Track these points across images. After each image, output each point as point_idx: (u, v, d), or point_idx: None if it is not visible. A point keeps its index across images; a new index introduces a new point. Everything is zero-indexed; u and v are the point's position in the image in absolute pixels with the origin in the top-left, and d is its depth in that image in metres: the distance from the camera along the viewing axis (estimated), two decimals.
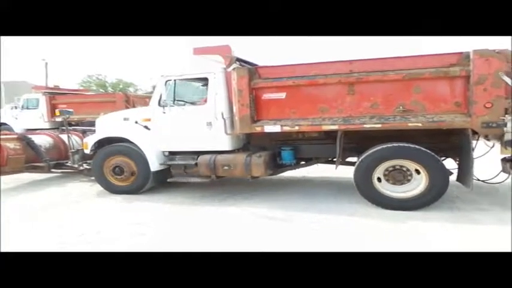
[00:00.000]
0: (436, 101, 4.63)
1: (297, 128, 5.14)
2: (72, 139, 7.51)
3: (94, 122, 10.39)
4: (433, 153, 4.59)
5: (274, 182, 6.84)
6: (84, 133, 8.03)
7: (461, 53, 4.49)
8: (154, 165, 5.84)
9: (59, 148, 7.75)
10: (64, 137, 7.92)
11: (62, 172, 7.44)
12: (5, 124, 14.39)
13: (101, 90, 42.60)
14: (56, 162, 7.39)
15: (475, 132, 4.62)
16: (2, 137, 7.11)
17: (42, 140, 7.61)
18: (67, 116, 7.22)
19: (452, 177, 4.87)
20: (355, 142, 5.36)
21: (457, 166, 5.09)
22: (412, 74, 4.62)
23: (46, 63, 20.00)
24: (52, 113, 13.57)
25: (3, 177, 7.05)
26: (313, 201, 5.46)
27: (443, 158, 5.33)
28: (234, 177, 5.79)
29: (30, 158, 7.19)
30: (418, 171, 4.73)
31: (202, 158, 5.63)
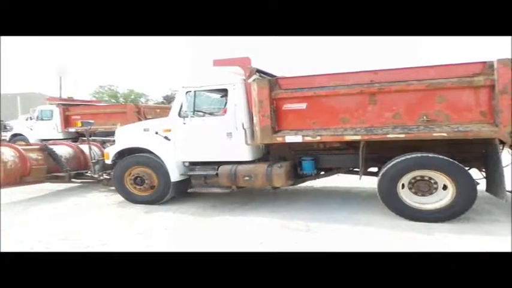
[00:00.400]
0: (461, 110, 4.58)
1: (318, 138, 5.13)
2: (93, 149, 7.63)
3: (107, 132, 10.64)
4: (459, 164, 4.52)
5: (281, 191, 6.81)
6: (104, 143, 8.13)
7: (485, 62, 4.45)
8: (175, 176, 5.88)
9: (78, 158, 7.87)
10: (83, 147, 8.06)
11: (81, 182, 7.54)
12: (20, 135, 14.77)
13: (113, 100, 43.28)
14: (76, 172, 7.50)
15: (501, 142, 4.55)
16: (24, 147, 7.26)
17: (63, 151, 7.75)
18: (89, 126, 7.33)
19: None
20: (376, 152, 5.33)
21: (482, 176, 5.01)
22: (436, 84, 4.60)
23: (60, 77, 20.58)
24: (66, 124, 13.88)
25: (26, 187, 7.16)
26: (326, 211, 5.44)
27: (467, 168, 5.28)
28: (254, 187, 5.79)
29: (52, 168, 7.31)
30: (444, 183, 4.67)
31: (222, 169, 5.65)
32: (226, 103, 6.50)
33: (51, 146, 7.61)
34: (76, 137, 13.20)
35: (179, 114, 5.98)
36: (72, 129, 13.80)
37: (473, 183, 4.47)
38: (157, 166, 5.94)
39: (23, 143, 12.56)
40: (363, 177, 5.45)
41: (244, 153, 5.65)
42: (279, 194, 6.59)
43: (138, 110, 13.19)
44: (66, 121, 13.95)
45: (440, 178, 4.68)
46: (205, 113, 6.25)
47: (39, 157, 7.21)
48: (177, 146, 6.02)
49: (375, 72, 4.91)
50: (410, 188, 4.85)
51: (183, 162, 6.03)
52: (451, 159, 4.56)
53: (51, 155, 7.37)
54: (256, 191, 6.59)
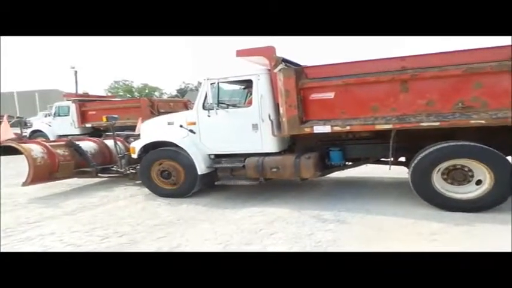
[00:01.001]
0: (498, 96, 4.37)
1: (348, 128, 5.01)
2: (117, 144, 7.70)
3: (122, 127, 10.70)
4: (497, 151, 4.35)
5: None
6: (128, 138, 8.19)
7: None
8: (201, 169, 5.87)
9: (103, 153, 7.97)
10: (108, 142, 8.15)
11: (108, 177, 7.64)
12: (40, 131, 15.08)
13: (128, 95, 43.84)
14: (102, 167, 7.59)
15: None
16: (51, 144, 7.38)
17: (88, 146, 7.84)
18: (113, 121, 7.38)
19: None
20: (405, 141, 5.17)
21: None
22: (473, 69, 4.40)
23: (76, 71, 20.77)
24: (82, 120, 14.09)
25: (55, 183, 7.31)
26: (351, 201, 5.38)
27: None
28: (282, 179, 5.73)
29: (78, 163, 7.42)
30: (481, 172, 4.51)
31: (249, 161, 5.61)
32: (248, 94, 6.44)
33: (77, 142, 7.72)
34: (92, 133, 13.42)
35: (203, 107, 5.94)
36: (88, 125, 14.01)
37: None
38: (183, 159, 5.94)
39: (42, 139, 12.88)
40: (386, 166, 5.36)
41: (271, 144, 5.59)
42: (298, 185, 6.52)
43: (152, 104, 13.29)
44: (83, 117, 14.19)
45: (477, 167, 4.51)
46: (228, 105, 6.20)
47: (66, 153, 7.32)
48: (202, 138, 6.01)
49: (406, 58, 4.74)
50: (445, 178, 4.70)
51: (209, 154, 6.01)
52: (488, 147, 4.39)
53: (77, 150, 7.48)
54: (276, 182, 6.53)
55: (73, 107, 14.30)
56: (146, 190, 6.44)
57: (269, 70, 5.57)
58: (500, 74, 4.34)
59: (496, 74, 4.35)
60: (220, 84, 5.93)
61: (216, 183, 6.01)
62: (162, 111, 12.51)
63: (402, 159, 5.67)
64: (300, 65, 5.91)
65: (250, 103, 5.81)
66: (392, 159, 5.11)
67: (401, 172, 5.68)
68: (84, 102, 14.57)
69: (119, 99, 22.35)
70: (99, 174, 7.50)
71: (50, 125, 15.03)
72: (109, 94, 33.92)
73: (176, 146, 6.02)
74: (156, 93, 46.28)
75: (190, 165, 5.88)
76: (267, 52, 5.51)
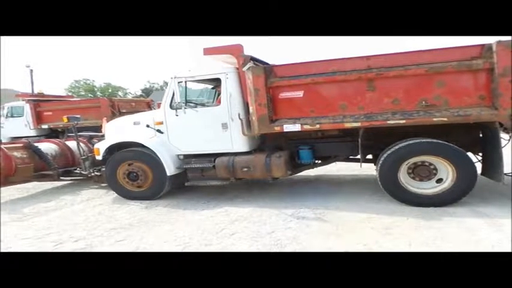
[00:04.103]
0: (460, 94, 4.55)
1: (317, 126, 5.04)
2: (80, 146, 7.36)
3: (80, 128, 10.25)
4: (459, 148, 4.52)
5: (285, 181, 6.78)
6: (91, 139, 7.84)
7: (483, 45, 4.41)
8: (170, 170, 5.71)
9: (65, 155, 7.59)
10: (69, 143, 7.77)
11: (71, 179, 7.29)
12: None
13: (90, 95, 42.22)
14: (64, 169, 7.23)
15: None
16: (7, 146, 6.93)
17: (48, 148, 7.45)
18: (75, 122, 7.03)
19: None
20: (373, 139, 5.28)
21: (477, 160, 5.04)
22: (435, 68, 4.54)
23: (31, 70, 19.70)
24: (38, 121, 13.41)
25: (12, 187, 6.88)
26: (329, 199, 5.43)
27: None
28: (253, 178, 5.69)
29: (38, 166, 7.02)
30: (444, 168, 4.68)
31: (219, 160, 5.52)
32: (217, 94, 6.34)
33: (35, 144, 7.30)
34: (49, 134, 12.79)
35: (171, 106, 5.79)
36: (45, 126, 13.33)
37: (474, 167, 4.49)
38: (151, 160, 5.76)
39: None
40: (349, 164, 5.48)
41: (241, 144, 5.54)
42: (274, 185, 6.52)
43: (113, 104, 12.89)
44: (39, 117, 13.48)
45: (441, 163, 4.68)
46: (197, 104, 6.07)
47: (24, 155, 6.90)
48: (170, 138, 5.85)
49: (372, 57, 4.82)
50: (409, 174, 4.85)
51: (178, 155, 5.87)
52: (450, 144, 4.56)
53: (36, 152, 7.07)
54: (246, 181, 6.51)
55: (27, 107, 13.52)
56: (108, 193, 6.21)
57: (237, 69, 5.50)
58: (460, 73, 4.52)
59: (457, 73, 4.52)
60: (189, 84, 5.80)
61: (186, 184, 5.88)
62: (124, 111, 12.27)
63: (369, 156, 5.78)
64: (269, 64, 5.88)
65: (219, 102, 5.72)
66: (362, 156, 5.19)
67: (366, 170, 5.83)
68: (39, 102, 13.83)
69: (78, 99, 21.39)
70: (62, 178, 7.14)
71: (2, 127, 14.05)
72: (69, 94, 32.41)
73: (143, 146, 5.83)
74: (120, 93, 44.92)
75: (158, 167, 5.72)
76: (235, 50, 5.43)
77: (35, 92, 16.82)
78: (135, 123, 6.23)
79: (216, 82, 5.95)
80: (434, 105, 4.62)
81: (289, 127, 5.15)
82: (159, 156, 5.69)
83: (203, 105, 6.11)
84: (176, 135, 5.82)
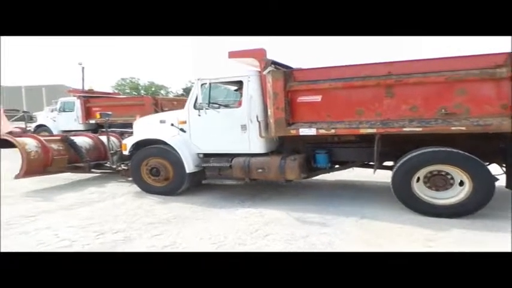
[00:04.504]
0: (481, 103, 4.43)
1: (333, 131, 5.07)
2: (111, 140, 7.81)
3: (125, 124, 10.81)
4: (476, 158, 4.39)
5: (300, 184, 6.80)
6: (122, 135, 8.29)
7: (508, 53, 4.28)
8: (190, 167, 5.94)
9: (98, 149, 8.07)
10: (103, 138, 8.25)
11: (101, 172, 7.73)
12: (44, 126, 15.21)
13: (134, 93, 44.10)
14: (95, 162, 7.70)
15: None
16: (47, 138, 7.49)
17: (83, 141, 7.96)
18: (107, 118, 7.49)
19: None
20: (390, 146, 5.22)
21: (502, 172, 4.85)
22: (456, 76, 4.45)
23: (83, 68, 20.99)
24: (87, 116, 14.20)
25: (49, 176, 7.41)
26: (366, 206, 5.32)
27: (487, 163, 5.12)
28: (268, 180, 5.79)
29: (72, 158, 7.53)
30: (460, 178, 4.55)
31: (236, 161, 5.68)
32: (240, 95, 6.51)
33: (72, 137, 7.84)
34: (96, 129, 13.52)
35: (194, 106, 6.03)
36: (92, 121, 14.13)
37: (491, 179, 4.33)
38: (172, 157, 6.02)
39: (46, 134, 12.98)
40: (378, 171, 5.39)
41: (258, 145, 5.66)
42: (289, 187, 6.58)
43: (156, 102, 13.40)
44: (87, 113, 14.26)
45: (457, 173, 4.55)
46: (220, 105, 6.28)
47: (61, 148, 7.43)
48: (192, 137, 6.09)
49: (392, 63, 4.80)
50: (425, 183, 4.75)
51: (198, 154, 6.09)
52: (467, 154, 4.43)
53: (72, 145, 7.59)
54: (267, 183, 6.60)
55: (78, 103, 14.40)
56: (131, 186, 6.49)
57: (259, 72, 5.65)
58: (482, 81, 4.39)
59: (479, 81, 4.40)
60: (216, 84, 6.03)
61: (203, 181, 6.09)
62: (166, 109, 12.55)
63: (390, 163, 5.70)
64: (291, 68, 5.98)
65: (240, 104, 5.89)
66: (377, 163, 5.14)
67: None
68: (89, 98, 14.66)
69: (124, 96, 22.46)
70: (92, 170, 7.61)
71: (54, 120, 15.11)
72: (115, 91, 34.16)
73: (166, 144, 6.11)
74: (162, 92, 46.51)
75: (178, 164, 5.97)
76: (258, 54, 5.58)
77: (86, 88, 17.83)
78: (161, 122, 6.55)
79: (239, 84, 6.13)
80: (455, 114, 4.52)
81: (305, 131, 5.21)
82: (179, 153, 5.95)
83: (226, 106, 6.32)
84: (197, 135, 6.05)
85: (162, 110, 12.59)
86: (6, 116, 15.86)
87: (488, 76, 4.34)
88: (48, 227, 4.69)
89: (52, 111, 15.98)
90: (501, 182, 4.69)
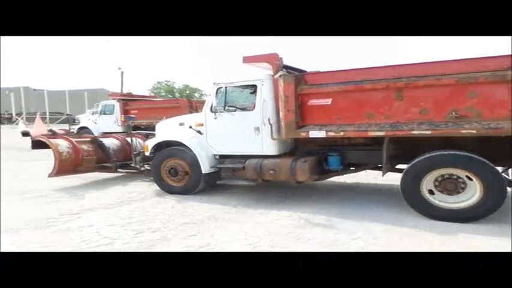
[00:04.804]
0: (492, 106, 4.33)
1: (342, 133, 5.13)
2: (136, 142, 8.24)
3: None
4: (487, 162, 4.30)
5: (320, 186, 6.85)
6: (147, 136, 8.70)
7: None
8: (206, 168, 6.19)
9: (124, 150, 8.53)
10: (130, 139, 8.72)
11: (126, 172, 8.17)
12: (86, 128, 16.03)
13: (169, 95, 45.55)
14: (121, 163, 8.15)
15: None
16: (77, 139, 8.03)
17: (111, 143, 8.45)
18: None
19: None
20: (403, 149, 5.20)
21: None
22: (466, 78, 4.39)
23: (122, 72, 21.97)
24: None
25: (78, 175, 7.94)
26: (383, 210, 5.27)
27: (505, 167, 4.99)
28: (279, 181, 5.92)
29: (100, 158, 8.02)
30: (471, 180, 4.47)
31: (249, 162, 5.86)
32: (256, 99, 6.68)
33: (100, 139, 8.36)
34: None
35: (211, 110, 6.28)
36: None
37: (503, 183, 4.23)
38: (190, 158, 6.30)
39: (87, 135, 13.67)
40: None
41: (271, 147, 5.81)
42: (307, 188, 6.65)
43: (191, 105, 13.80)
44: (126, 115, 14.59)
45: (467, 176, 4.47)
46: (236, 108, 6.48)
47: (90, 148, 7.94)
48: (208, 139, 6.34)
49: (402, 66, 4.80)
50: (436, 186, 4.70)
51: (214, 155, 6.33)
52: (478, 157, 4.34)
53: (100, 146, 8.09)
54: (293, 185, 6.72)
55: (117, 106, 15.06)
56: (152, 185, 6.80)
57: (272, 76, 5.80)
58: (494, 84, 4.31)
59: (490, 84, 4.31)
60: (234, 88, 6.25)
61: (217, 182, 6.31)
62: (200, 111, 12.86)
63: (403, 166, 5.65)
64: (304, 71, 6.09)
65: (254, 107, 6.07)
66: (387, 166, 5.14)
67: None
68: (127, 101, 15.30)
69: (160, 99, 23.24)
70: (119, 170, 8.06)
71: (95, 123, 15.83)
72: (151, 94, 35.53)
73: (184, 145, 6.40)
74: (196, 94, 47.74)
75: (195, 165, 6.23)
76: (270, 58, 5.75)
77: (124, 92, 18.61)
78: (180, 124, 6.86)
79: (254, 88, 6.30)
80: (466, 117, 4.45)
81: (314, 133, 5.30)
82: (196, 155, 6.21)
83: (243, 109, 6.52)
84: (213, 137, 6.29)
85: (197, 112, 12.98)
86: (50, 118, 16.96)
87: (499, 78, 4.25)
88: (90, 224, 4.91)
89: (93, 114, 16.86)
90: None
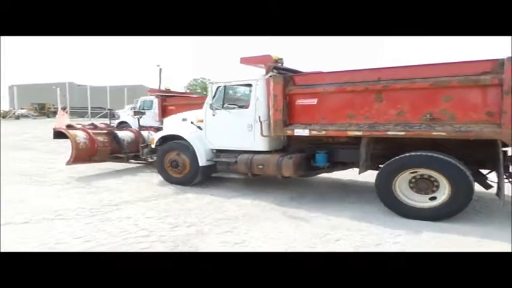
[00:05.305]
0: (467, 110, 4.47)
1: (323, 132, 5.40)
2: (149, 135, 8.86)
3: None
4: (455, 163, 4.44)
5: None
6: (158, 130, 9.28)
7: (496, 59, 4.27)
8: (203, 161, 6.64)
9: (137, 142, 9.10)
10: (144, 132, 9.35)
11: (137, 163, 8.81)
12: (125, 122, 16.61)
13: (204, 92, 46.79)
14: (134, 154, 8.78)
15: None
16: (94, 131, 8.72)
17: (126, 135, 9.09)
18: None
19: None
20: (385, 149, 5.40)
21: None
22: (440, 82, 4.55)
23: (160, 69, 22.72)
24: (163, 114, 14.84)
25: (93, 164, 8.64)
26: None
27: (488, 170, 5.07)
28: (267, 175, 6.24)
29: (115, 149, 8.68)
30: (441, 182, 4.64)
31: (241, 157, 6.24)
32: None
33: (116, 131, 9.02)
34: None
35: (210, 107, 6.71)
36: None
37: (468, 182, 4.36)
38: (189, 152, 6.76)
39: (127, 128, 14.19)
40: None
41: (261, 144, 6.16)
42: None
43: None
44: (163, 111, 14.92)
45: (438, 177, 4.63)
46: (236, 105, 6.88)
47: (105, 140, 8.61)
48: (207, 134, 6.78)
49: (382, 69, 5.01)
50: (412, 187, 4.86)
51: (211, 149, 6.77)
52: (447, 158, 4.49)
53: (115, 138, 8.75)
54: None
55: (156, 102, 15.40)
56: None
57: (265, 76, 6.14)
58: (467, 88, 4.44)
59: (463, 88, 4.45)
60: (232, 86, 6.66)
61: (213, 174, 6.74)
62: None
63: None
64: (299, 72, 6.38)
65: (248, 105, 6.43)
66: (364, 164, 5.35)
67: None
68: (165, 97, 15.44)
69: (196, 95, 23.73)
70: (130, 161, 8.70)
71: (134, 118, 15.93)
72: (187, 91, 36.63)
73: (184, 139, 6.88)
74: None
75: (194, 158, 6.69)
76: (264, 60, 6.10)
77: (163, 88, 19.02)
78: (183, 120, 7.35)
79: (250, 87, 6.66)
80: (440, 119, 4.61)
81: (299, 131, 5.60)
82: (194, 148, 6.67)
83: (239, 107, 6.90)
84: (211, 132, 6.72)
85: None
86: (92, 113, 17.70)
87: (472, 83, 4.39)
88: (128, 216, 5.02)
89: (131, 109, 17.48)
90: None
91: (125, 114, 17.93)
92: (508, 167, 4.91)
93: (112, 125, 16.65)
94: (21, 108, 45.38)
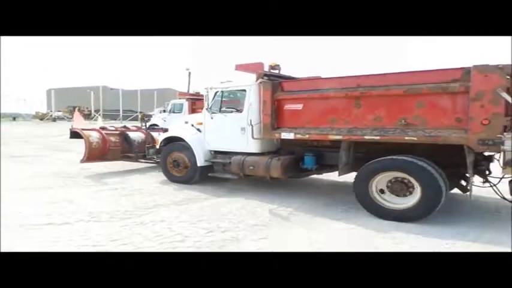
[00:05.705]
0: (438, 116, 4.69)
1: (307, 136, 5.72)
2: (157, 136, 9.41)
3: None
4: (425, 166, 4.65)
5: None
6: (165, 131, 9.82)
7: (463, 68, 4.46)
8: (201, 161, 7.10)
9: (148, 143, 9.73)
10: (153, 133, 9.92)
11: (145, 162, 9.39)
12: (156, 125, 16.48)
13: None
14: (143, 154, 9.36)
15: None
16: (107, 132, 9.36)
17: (137, 136, 9.70)
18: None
19: None
20: (367, 153, 5.64)
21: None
22: (413, 89, 4.78)
23: (189, 73, 23.08)
24: None
25: (106, 162, 9.28)
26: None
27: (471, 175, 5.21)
28: (257, 175, 6.59)
29: (125, 149, 9.30)
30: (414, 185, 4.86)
31: (234, 158, 6.64)
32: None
33: (127, 132, 9.64)
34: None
35: (208, 110, 7.15)
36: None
37: (438, 186, 4.55)
38: (189, 152, 7.24)
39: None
40: None
41: (254, 146, 6.53)
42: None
43: None
44: (193, 113, 15.26)
45: (412, 180, 4.85)
46: (232, 109, 7.28)
47: (117, 140, 9.24)
48: (205, 137, 7.23)
49: (360, 77, 5.27)
50: (389, 189, 5.08)
51: (210, 150, 7.21)
52: (416, 161, 4.72)
53: (126, 139, 9.37)
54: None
55: (186, 105, 15.97)
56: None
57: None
58: (437, 95, 4.66)
59: (433, 95, 4.67)
60: (228, 91, 7.08)
61: (209, 174, 7.19)
62: None
63: None
64: (293, 78, 6.72)
65: (242, 110, 6.82)
66: (345, 167, 5.62)
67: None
68: (195, 100, 15.98)
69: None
70: (139, 160, 9.30)
71: (164, 120, 16.57)
72: None
73: (185, 141, 7.36)
74: None
75: (193, 158, 7.17)
76: (257, 67, 6.48)
77: (192, 91, 19.04)
78: (185, 122, 7.84)
79: (244, 92, 7.05)
80: (413, 125, 4.84)
81: (285, 135, 5.95)
82: (193, 149, 7.14)
83: (238, 111, 7.30)
84: (209, 134, 7.16)
85: None
86: (123, 116, 18.10)
87: (442, 90, 4.59)
88: (162, 220, 5.02)
89: (161, 112, 17.92)
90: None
91: (156, 116, 18.35)
92: (484, 171, 5.08)
93: (143, 127, 17.22)
94: (58, 111, 47.86)
